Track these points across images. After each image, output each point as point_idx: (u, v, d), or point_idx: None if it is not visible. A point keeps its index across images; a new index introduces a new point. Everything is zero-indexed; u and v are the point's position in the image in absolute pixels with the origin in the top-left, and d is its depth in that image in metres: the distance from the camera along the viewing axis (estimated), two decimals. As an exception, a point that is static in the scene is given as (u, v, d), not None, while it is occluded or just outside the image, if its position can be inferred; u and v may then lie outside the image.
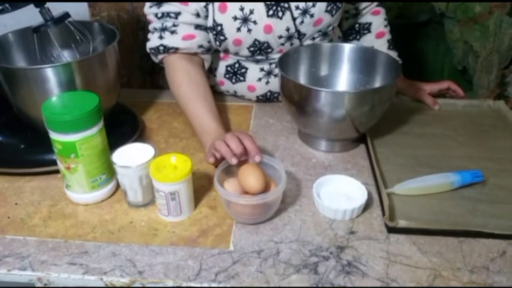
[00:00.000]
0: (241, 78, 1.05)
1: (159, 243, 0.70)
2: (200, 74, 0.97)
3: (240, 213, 0.73)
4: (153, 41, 0.97)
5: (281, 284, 0.63)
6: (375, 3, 1.09)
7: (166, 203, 0.72)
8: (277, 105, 1.08)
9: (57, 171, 0.78)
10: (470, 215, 0.75)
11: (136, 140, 0.92)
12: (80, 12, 1.27)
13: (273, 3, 0.93)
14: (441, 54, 1.50)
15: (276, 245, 0.70)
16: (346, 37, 1.14)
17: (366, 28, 1.10)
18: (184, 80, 0.95)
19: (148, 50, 0.99)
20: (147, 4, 0.95)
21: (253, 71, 1.04)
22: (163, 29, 0.95)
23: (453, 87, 1.10)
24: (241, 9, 0.92)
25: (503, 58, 1.41)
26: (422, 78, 1.15)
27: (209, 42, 0.98)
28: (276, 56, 1.00)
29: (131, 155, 0.74)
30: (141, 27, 1.33)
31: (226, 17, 0.93)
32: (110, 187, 0.79)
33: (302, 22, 0.95)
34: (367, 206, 0.76)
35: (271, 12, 0.93)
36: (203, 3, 0.93)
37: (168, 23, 0.94)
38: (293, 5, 0.93)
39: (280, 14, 0.93)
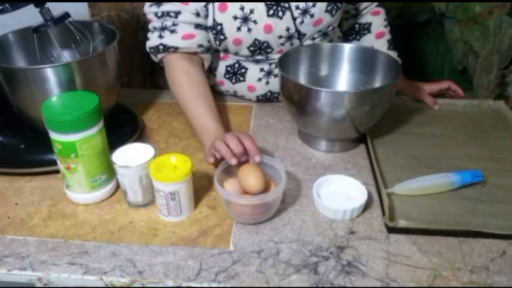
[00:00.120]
0: (241, 78, 1.05)
1: (159, 243, 0.70)
2: (200, 73, 0.97)
3: (240, 213, 0.73)
4: (152, 40, 0.97)
5: (281, 284, 0.63)
6: (375, 4, 1.09)
7: (166, 203, 0.72)
8: (277, 105, 1.08)
9: (57, 171, 0.78)
10: (470, 215, 0.75)
11: (136, 140, 0.92)
12: (80, 12, 1.27)
13: (273, 3, 0.92)
14: (441, 54, 1.50)
15: (276, 245, 0.70)
16: (346, 37, 1.14)
17: (366, 28, 1.10)
18: (184, 80, 0.95)
19: (148, 49, 0.99)
20: (147, 3, 0.95)
21: (253, 71, 1.04)
22: (163, 28, 0.95)
23: (453, 87, 1.10)
24: (242, 8, 0.92)
25: (503, 58, 1.41)
26: (422, 78, 1.15)
27: (209, 41, 0.98)
28: (276, 56, 1.00)
29: (131, 155, 0.74)
30: (141, 27, 1.33)
31: (227, 17, 0.93)
32: (110, 187, 0.79)
33: (302, 22, 0.95)
34: (367, 206, 0.76)
35: (271, 12, 0.93)
36: (203, 3, 0.93)
37: (168, 22, 0.94)
38: (293, 4, 0.93)
39: (280, 13, 0.93)
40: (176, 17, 0.94)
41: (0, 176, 0.85)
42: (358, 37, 1.12)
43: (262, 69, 1.03)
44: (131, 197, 0.77)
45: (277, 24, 0.94)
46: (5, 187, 0.83)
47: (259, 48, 0.98)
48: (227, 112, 1.07)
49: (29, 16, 0.87)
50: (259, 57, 1.01)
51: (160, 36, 0.95)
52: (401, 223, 0.71)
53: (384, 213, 0.74)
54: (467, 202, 0.78)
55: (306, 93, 0.84)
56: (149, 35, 0.98)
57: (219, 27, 0.95)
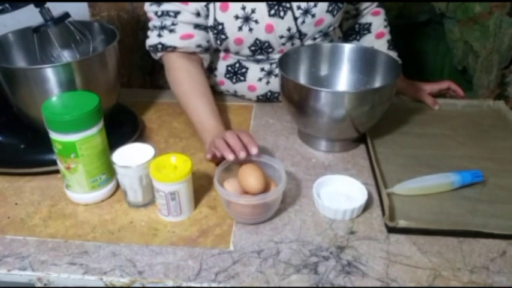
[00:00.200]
0: (242, 78, 1.05)
1: (159, 243, 0.70)
2: (200, 72, 0.97)
3: (240, 213, 0.73)
4: (152, 39, 0.97)
5: (281, 284, 0.63)
6: (375, 4, 1.09)
7: (166, 203, 0.72)
8: (277, 105, 1.08)
9: (57, 171, 0.78)
10: (470, 215, 0.75)
11: (136, 140, 0.92)
12: (80, 12, 1.27)
13: (274, 2, 0.93)
14: (441, 54, 1.50)
15: (276, 245, 0.70)
16: (346, 37, 1.14)
17: (366, 28, 1.10)
18: (185, 78, 0.95)
19: (147, 47, 0.99)
20: (148, 2, 0.95)
21: (254, 71, 1.04)
22: (162, 28, 0.95)
23: (453, 87, 1.10)
24: (243, 8, 0.92)
25: (503, 58, 1.41)
26: (422, 78, 1.15)
27: (208, 41, 0.98)
28: (276, 56, 1.00)
29: (131, 155, 0.74)
30: (141, 27, 1.33)
31: (228, 16, 0.93)
32: (110, 187, 0.79)
33: (303, 22, 0.95)
34: (367, 206, 0.76)
35: (272, 11, 0.93)
36: (204, 3, 0.93)
37: (167, 21, 0.94)
38: (295, 4, 0.93)
39: (281, 13, 0.93)
40: (175, 16, 0.94)
41: (0, 176, 0.85)
42: (358, 37, 1.12)
43: (262, 69, 1.03)
44: (131, 197, 0.77)
45: (279, 24, 0.94)
46: (5, 187, 0.83)
47: (260, 48, 0.98)
48: (227, 112, 1.07)
49: (29, 16, 0.87)
50: (260, 57, 1.01)
51: (159, 35, 0.95)
52: (401, 223, 0.71)
53: (383, 213, 0.74)
54: (467, 202, 0.78)
55: (306, 93, 0.84)
56: (149, 33, 0.98)
57: (220, 27, 0.95)
